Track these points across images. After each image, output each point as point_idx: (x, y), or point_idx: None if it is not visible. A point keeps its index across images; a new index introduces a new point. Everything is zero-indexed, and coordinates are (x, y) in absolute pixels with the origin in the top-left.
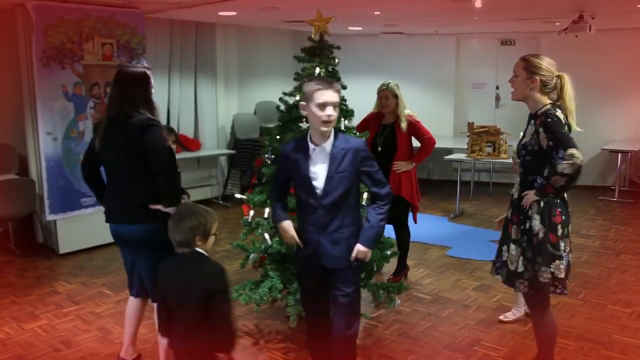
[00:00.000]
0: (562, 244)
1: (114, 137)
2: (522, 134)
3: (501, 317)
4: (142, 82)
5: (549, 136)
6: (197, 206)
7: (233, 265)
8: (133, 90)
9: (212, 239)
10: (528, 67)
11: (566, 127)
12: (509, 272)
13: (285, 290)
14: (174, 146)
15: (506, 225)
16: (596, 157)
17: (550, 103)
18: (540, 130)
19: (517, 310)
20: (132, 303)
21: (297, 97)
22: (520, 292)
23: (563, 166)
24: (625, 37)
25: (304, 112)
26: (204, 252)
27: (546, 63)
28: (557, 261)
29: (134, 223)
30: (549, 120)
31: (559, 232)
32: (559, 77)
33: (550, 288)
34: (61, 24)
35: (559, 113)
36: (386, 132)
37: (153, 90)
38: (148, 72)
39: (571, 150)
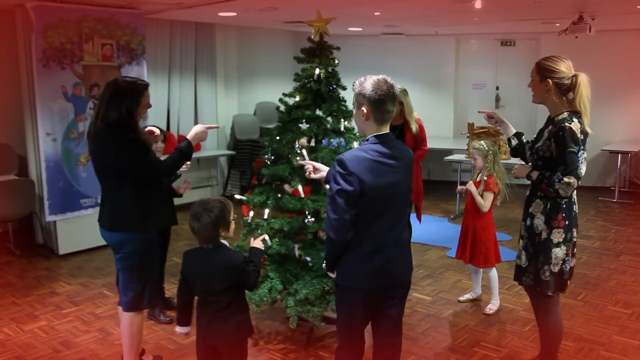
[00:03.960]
0: (563, 248)
1: (91, 146)
2: (537, 133)
3: (486, 310)
4: (128, 95)
5: (556, 152)
6: (209, 201)
7: None
8: (111, 102)
9: (232, 225)
10: (540, 70)
11: (579, 140)
12: (517, 267)
13: (285, 291)
14: (162, 145)
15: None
16: (596, 157)
17: (568, 111)
18: (552, 140)
19: (475, 293)
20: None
21: (297, 98)
22: (525, 286)
23: (557, 187)
24: (625, 38)
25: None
26: (226, 243)
27: (560, 65)
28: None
29: (110, 231)
30: (561, 134)
31: (562, 236)
32: (574, 76)
33: (552, 286)
34: (61, 24)
35: (574, 125)
36: (396, 133)
37: (146, 108)
38: (142, 88)
39: (568, 179)
